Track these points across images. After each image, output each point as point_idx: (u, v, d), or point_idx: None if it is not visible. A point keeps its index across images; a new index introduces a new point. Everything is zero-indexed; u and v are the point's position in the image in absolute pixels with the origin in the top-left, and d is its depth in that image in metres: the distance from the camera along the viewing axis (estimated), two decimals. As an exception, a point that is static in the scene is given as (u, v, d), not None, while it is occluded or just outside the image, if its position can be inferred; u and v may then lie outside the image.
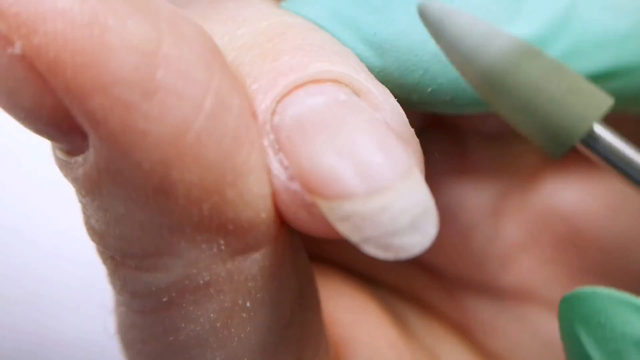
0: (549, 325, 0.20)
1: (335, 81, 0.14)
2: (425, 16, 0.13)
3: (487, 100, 0.13)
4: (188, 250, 0.14)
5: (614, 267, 0.20)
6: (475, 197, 0.20)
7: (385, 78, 0.16)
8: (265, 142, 0.14)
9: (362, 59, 0.15)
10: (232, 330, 0.15)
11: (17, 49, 0.11)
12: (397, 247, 0.13)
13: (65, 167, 0.13)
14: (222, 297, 0.14)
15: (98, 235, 0.14)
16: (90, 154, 0.12)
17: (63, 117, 0.12)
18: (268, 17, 0.15)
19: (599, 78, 0.17)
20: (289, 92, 0.14)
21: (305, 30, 0.15)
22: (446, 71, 0.16)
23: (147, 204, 0.13)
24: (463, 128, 0.20)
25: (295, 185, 0.13)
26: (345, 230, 0.13)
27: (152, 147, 0.12)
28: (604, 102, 0.13)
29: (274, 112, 0.14)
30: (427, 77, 0.16)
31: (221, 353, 0.15)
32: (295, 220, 0.14)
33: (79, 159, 0.13)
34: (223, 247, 0.14)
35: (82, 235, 0.15)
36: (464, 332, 0.21)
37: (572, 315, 0.14)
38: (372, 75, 0.15)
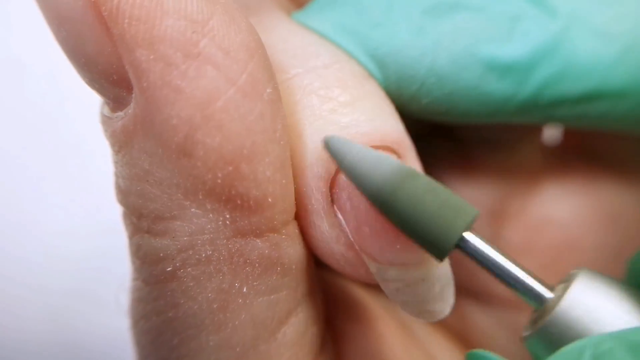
0: None
1: (387, 148, 0.16)
2: (327, 147, 0.15)
3: (382, 214, 0.15)
4: (197, 217, 0.15)
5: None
6: (476, 201, 0.21)
7: (385, 89, 0.17)
8: (326, 193, 0.16)
9: (368, 69, 0.17)
10: (228, 315, 0.16)
11: None
12: (428, 313, 0.16)
13: (107, 122, 0.15)
14: (220, 278, 0.15)
15: (123, 193, 0.15)
16: (131, 108, 0.14)
17: (115, 67, 0.14)
18: (325, 53, 0.17)
19: (585, 100, 0.17)
20: None
21: (362, 78, 0.17)
22: (441, 85, 0.17)
23: (169, 161, 0.14)
24: (465, 134, 0.21)
25: (345, 240, 0.16)
26: (388, 290, 0.16)
27: (183, 104, 0.13)
28: (470, 213, 0.15)
29: (338, 170, 0.16)
30: (423, 90, 0.17)
31: (215, 337, 0.16)
32: (336, 266, 0.16)
33: (121, 113, 0.15)
34: (228, 222, 0.15)
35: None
36: (462, 338, 0.21)
37: None
38: (404, 128, 0.17)
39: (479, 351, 0.15)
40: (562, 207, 0.21)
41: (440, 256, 0.15)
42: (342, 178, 0.16)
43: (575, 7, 0.17)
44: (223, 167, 0.14)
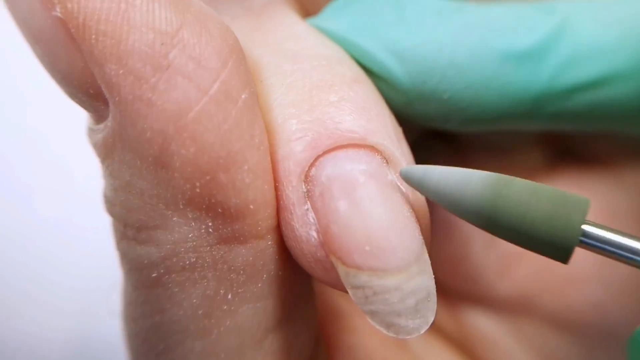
0: (540, 339, 0.20)
1: (372, 148, 0.15)
2: (407, 179, 0.15)
3: (488, 231, 0.14)
4: (179, 225, 0.15)
5: (607, 274, 0.20)
6: None
7: (407, 86, 0.17)
8: (297, 188, 0.15)
9: (386, 66, 0.17)
10: (213, 321, 0.16)
11: (58, 11, 0.13)
12: (399, 327, 0.15)
13: (90, 134, 0.15)
14: (205, 284, 0.15)
15: (109, 202, 0.15)
16: (109, 121, 0.14)
17: (90, 82, 0.14)
18: (316, 57, 0.16)
19: (595, 85, 0.17)
20: (329, 151, 0.15)
21: (351, 81, 0.16)
22: (461, 77, 0.17)
23: (147, 172, 0.14)
24: (464, 139, 0.21)
25: (316, 240, 0.15)
26: (356, 297, 0.15)
27: (155, 117, 0.13)
28: (583, 204, 0.13)
29: (312, 165, 0.15)
30: (444, 82, 0.17)
31: (200, 343, 0.16)
32: (308, 268, 0.15)
33: (101, 126, 0.15)
34: (211, 230, 0.15)
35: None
36: (463, 346, 0.21)
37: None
38: (401, 136, 0.16)
39: None
40: None
41: (565, 257, 0.14)
42: (315, 172, 0.15)
43: (570, 7, 0.18)
44: (200, 177, 0.14)
